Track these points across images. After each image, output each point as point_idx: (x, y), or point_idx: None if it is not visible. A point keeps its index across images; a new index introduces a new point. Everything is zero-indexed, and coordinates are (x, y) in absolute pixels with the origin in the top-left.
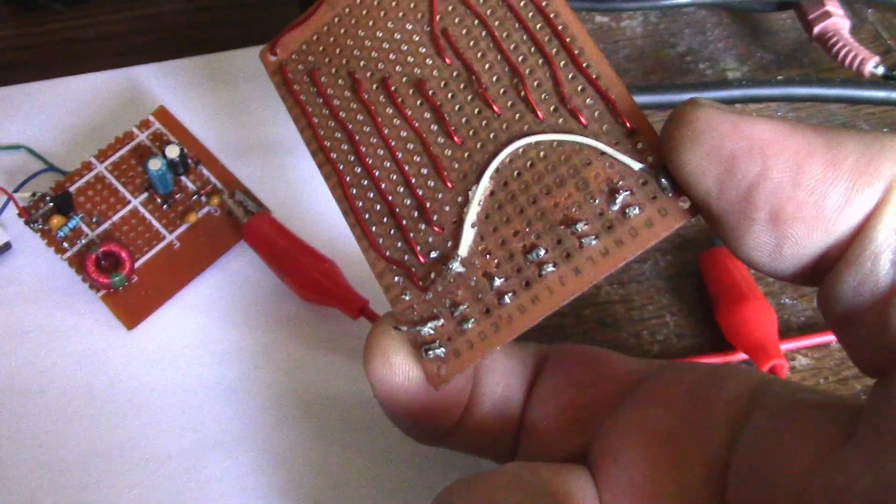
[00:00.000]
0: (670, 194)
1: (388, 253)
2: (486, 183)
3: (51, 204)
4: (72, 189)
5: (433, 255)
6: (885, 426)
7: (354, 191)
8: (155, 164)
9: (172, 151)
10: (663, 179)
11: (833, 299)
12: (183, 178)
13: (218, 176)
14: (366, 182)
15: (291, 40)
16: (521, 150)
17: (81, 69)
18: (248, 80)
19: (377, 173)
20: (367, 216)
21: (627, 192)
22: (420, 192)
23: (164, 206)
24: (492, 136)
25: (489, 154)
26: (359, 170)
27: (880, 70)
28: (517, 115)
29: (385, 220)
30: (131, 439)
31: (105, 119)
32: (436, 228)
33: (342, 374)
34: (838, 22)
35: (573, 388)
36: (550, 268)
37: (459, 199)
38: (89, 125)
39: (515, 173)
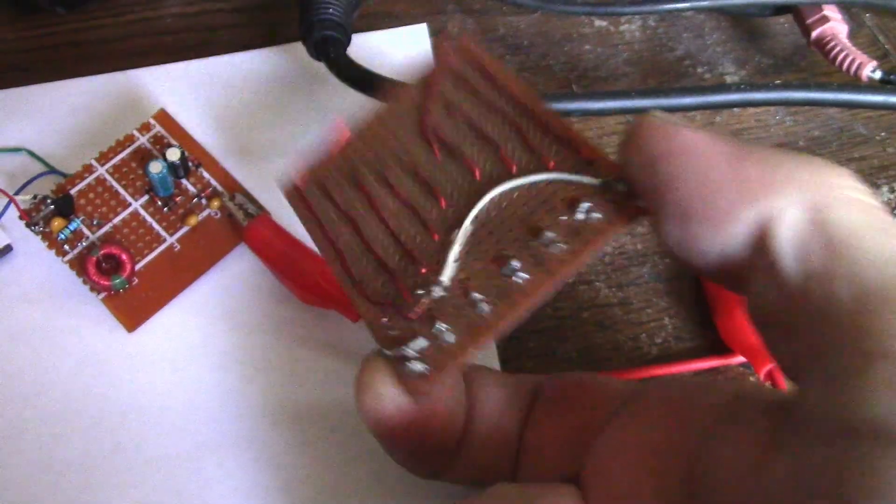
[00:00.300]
0: (625, 193)
1: (377, 298)
2: (467, 225)
3: (52, 206)
4: (73, 191)
5: (419, 292)
6: (802, 425)
7: (352, 266)
8: (156, 167)
9: (173, 154)
10: (619, 184)
11: (750, 305)
12: (183, 180)
13: (218, 179)
14: (361, 254)
15: (310, 174)
16: (497, 196)
17: (83, 72)
18: (248, 83)
19: (373, 244)
20: (360, 280)
21: (589, 203)
22: (409, 247)
23: (165, 209)
24: (474, 192)
25: (470, 206)
26: (356, 248)
27: (877, 74)
28: (495, 174)
29: (377, 276)
30: (131, 441)
31: (106, 122)
32: (422, 270)
33: (342, 378)
34: (836, 26)
35: (566, 414)
36: (523, 274)
37: (443, 244)
38: (90, 128)
39: (494, 215)
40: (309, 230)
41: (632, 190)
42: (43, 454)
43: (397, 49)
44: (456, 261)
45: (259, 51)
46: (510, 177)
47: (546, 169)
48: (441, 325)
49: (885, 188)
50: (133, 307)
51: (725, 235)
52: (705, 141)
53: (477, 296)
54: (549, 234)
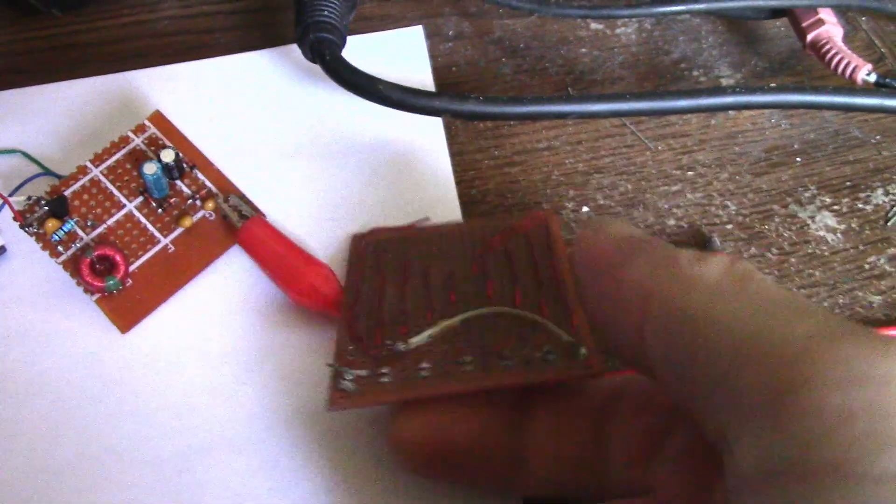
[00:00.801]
0: (584, 358)
1: (355, 332)
2: (457, 320)
3: (46, 208)
4: (67, 193)
5: (387, 341)
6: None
7: (358, 303)
8: (150, 168)
9: (167, 156)
10: (582, 350)
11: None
12: (178, 182)
13: (213, 180)
14: (372, 299)
15: (381, 233)
16: (494, 313)
17: (78, 74)
18: (243, 85)
19: (383, 298)
20: (355, 316)
21: (549, 349)
22: (408, 315)
23: (159, 210)
24: (478, 304)
25: (469, 309)
26: (372, 295)
27: (873, 78)
28: (502, 301)
29: (369, 317)
30: (125, 442)
31: (101, 123)
32: (401, 330)
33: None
34: (831, 30)
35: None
36: (468, 368)
37: (430, 324)
38: (85, 129)
39: (482, 323)
40: (349, 270)
41: (588, 360)
42: (36, 456)
43: (393, 51)
44: (430, 337)
45: (254, 53)
46: (512, 307)
47: (540, 313)
48: (385, 369)
49: (879, 191)
50: (127, 308)
51: (620, 312)
52: (595, 244)
53: (425, 364)
54: (506, 353)
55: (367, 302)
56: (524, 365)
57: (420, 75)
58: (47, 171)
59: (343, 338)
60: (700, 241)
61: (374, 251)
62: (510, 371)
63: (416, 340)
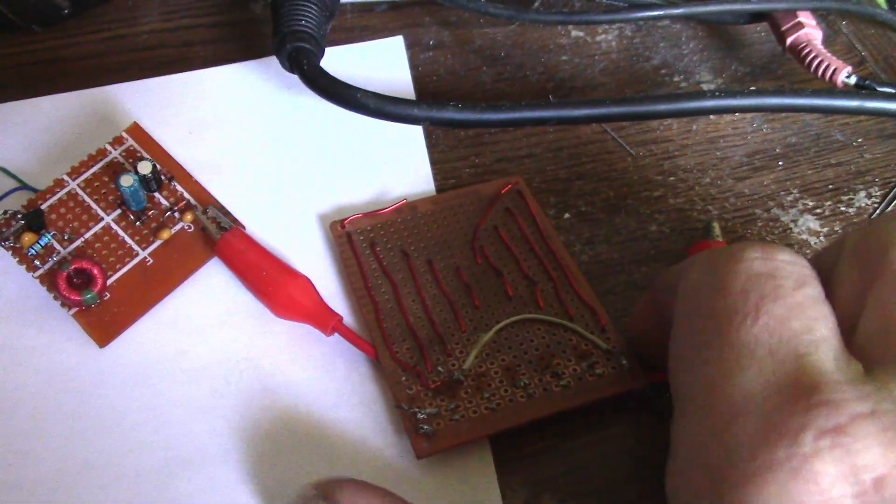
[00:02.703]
0: (627, 369)
1: (401, 358)
2: (492, 333)
3: (22, 221)
4: (44, 206)
5: (440, 368)
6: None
7: (383, 317)
8: (127, 181)
9: (144, 168)
10: (624, 360)
11: None
12: (156, 194)
13: (191, 192)
14: (394, 314)
15: (358, 221)
16: (523, 320)
17: (59, 89)
18: (222, 96)
19: (407, 312)
20: (389, 334)
21: (595, 360)
22: (439, 328)
23: (137, 223)
24: (503, 309)
25: (499, 318)
26: (391, 306)
27: (853, 80)
28: (524, 302)
29: (403, 340)
30: (104, 457)
31: (79, 137)
32: (447, 351)
33: (315, 390)
34: (811, 33)
35: None
36: (531, 393)
37: (469, 339)
38: (63, 143)
39: (515, 334)
40: (348, 272)
41: (633, 366)
42: (12, 473)
43: (373, 61)
44: (477, 357)
45: (233, 65)
46: (537, 310)
47: (567, 316)
48: (454, 405)
49: (862, 193)
50: (104, 322)
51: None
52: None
53: (489, 395)
54: (560, 371)
55: (388, 312)
56: (578, 382)
57: (401, 85)
58: (24, 185)
59: (393, 368)
60: (683, 248)
61: (367, 248)
62: (571, 395)
63: (469, 364)
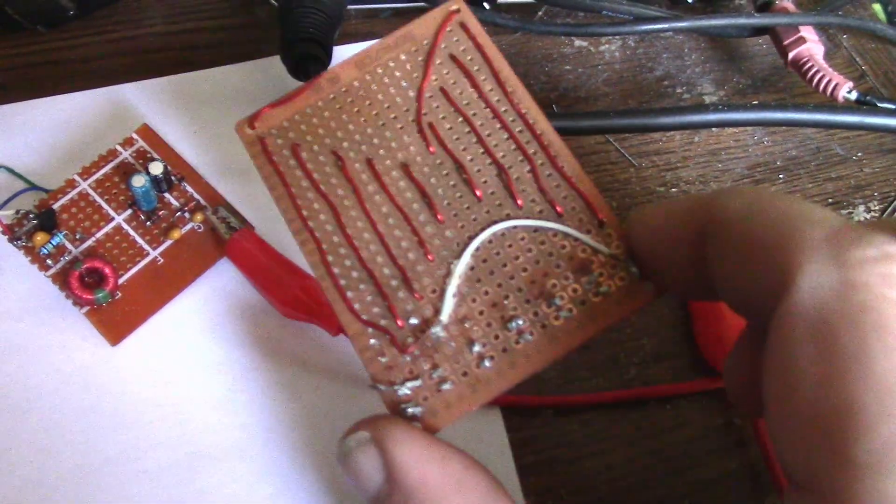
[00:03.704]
0: (638, 278)
1: (364, 316)
2: (467, 258)
3: (34, 221)
4: (55, 206)
5: (412, 320)
6: None
7: (331, 258)
8: (138, 181)
9: (156, 168)
10: (633, 268)
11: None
12: (166, 194)
13: (201, 192)
14: (343, 250)
15: (271, 116)
16: (501, 232)
17: (63, 90)
18: (230, 96)
19: (356, 242)
20: (343, 282)
21: (598, 273)
22: (400, 262)
23: (148, 223)
24: (473, 218)
25: (470, 233)
26: (336, 238)
27: (853, 95)
28: (497, 203)
29: (362, 286)
30: (123, 453)
31: (88, 137)
32: (416, 295)
33: (322, 389)
34: (812, 48)
35: None
36: (528, 336)
37: (439, 271)
38: (73, 144)
39: (495, 252)
40: (275, 196)
41: (644, 274)
42: (34, 469)
43: None
44: (454, 296)
45: (241, 64)
46: (516, 212)
47: (554, 214)
48: (440, 371)
49: (861, 208)
50: (116, 321)
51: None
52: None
53: (478, 348)
54: (557, 300)
55: (333, 247)
56: (582, 308)
57: None
58: (34, 186)
59: (358, 331)
60: None
61: (290, 159)
62: (574, 327)
63: (447, 312)
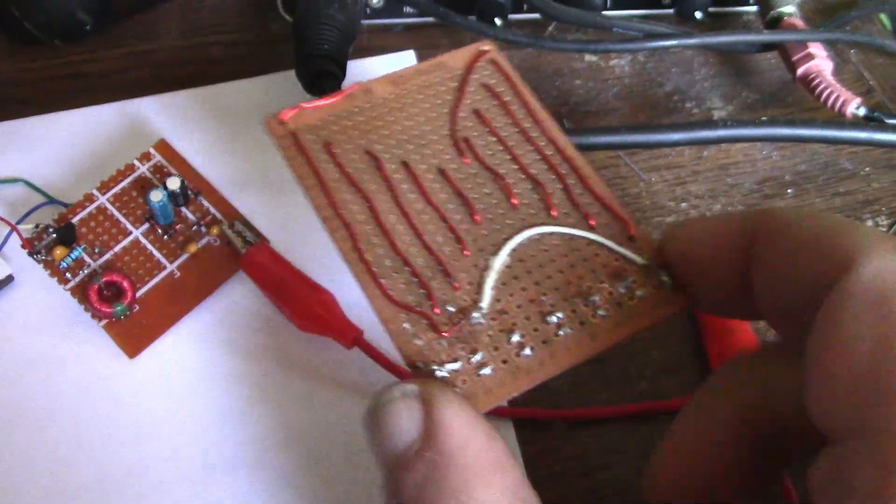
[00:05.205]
0: (669, 288)
1: (400, 299)
2: (505, 254)
3: (54, 235)
4: (74, 220)
5: (449, 307)
6: None
7: (363, 245)
8: (156, 196)
9: (173, 183)
10: (664, 277)
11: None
12: (183, 208)
13: (217, 207)
14: (376, 239)
15: (303, 115)
16: (538, 235)
17: (80, 104)
18: (246, 110)
19: (391, 234)
20: (376, 269)
21: (632, 280)
22: (437, 254)
23: (165, 237)
24: (508, 221)
25: (506, 235)
26: (369, 228)
27: (862, 111)
28: (532, 211)
29: (395, 274)
30: (141, 464)
31: (106, 151)
32: (454, 285)
33: (337, 402)
34: (821, 64)
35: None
36: (568, 330)
37: (475, 267)
38: (90, 158)
39: (531, 253)
40: (305, 186)
41: (676, 283)
42: (56, 480)
43: None
44: (493, 289)
45: (256, 79)
46: (550, 220)
47: (587, 226)
48: (480, 356)
49: (869, 222)
50: (134, 334)
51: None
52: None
53: (518, 337)
54: (595, 298)
55: (367, 237)
56: (619, 309)
57: None
58: (52, 200)
59: (392, 314)
60: None
61: (322, 153)
62: (612, 325)
63: (487, 301)
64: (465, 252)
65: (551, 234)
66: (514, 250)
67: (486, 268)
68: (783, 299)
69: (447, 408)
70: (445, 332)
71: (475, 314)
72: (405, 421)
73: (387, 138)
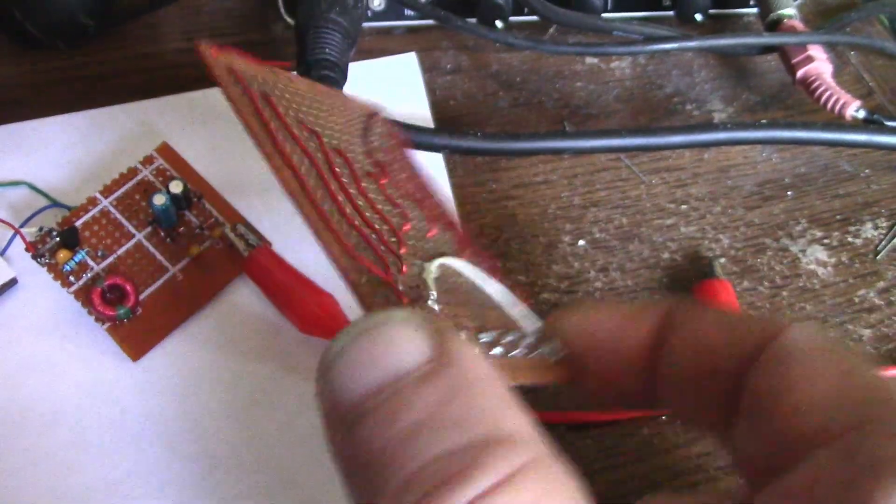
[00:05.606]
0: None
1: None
2: (436, 265)
3: (57, 238)
4: (78, 224)
5: (399, 286)
6: None
7: (317, 198)
8: (159, 200)
9: (176, 187)
10: (555, 345)
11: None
12: (186, 212)
13: (220, 210)
14: (321, 193)
15: (238, 60)
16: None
17: (83, 106)
18: None
19: (336, 196)
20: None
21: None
22: (381, 233)
23: (168, 240)
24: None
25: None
26: (314, 182)
27: (861, 114)
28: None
29: (349, 236)
30: (146, 467)
31: (108, 154)
32: (402, 269)
33: None
34: (820, 66)
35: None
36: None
37: (413, 264)
38: (93, 161)
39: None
40: (248, 125)
41: (567, 357)
42: (60, 482)
43: (388, 77)
44: (434, 286)
45: None
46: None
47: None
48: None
49: (868, 225)
50: (137, 337)
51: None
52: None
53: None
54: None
55: (317, 192)
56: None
57: (415, 100)
58: (55, 203)
59: (353, 267)
60: (700, 270)
61: (262, 98)
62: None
63: (434, 295)
64: (401, 249)
65: (460, 268)
66: (442, 265)
67: (423, 269)
68: (698, 378)
69: (461, 342)
70: (405, 298)
71: (430, 301)
72: (408, 344)
73: (324, 122)
